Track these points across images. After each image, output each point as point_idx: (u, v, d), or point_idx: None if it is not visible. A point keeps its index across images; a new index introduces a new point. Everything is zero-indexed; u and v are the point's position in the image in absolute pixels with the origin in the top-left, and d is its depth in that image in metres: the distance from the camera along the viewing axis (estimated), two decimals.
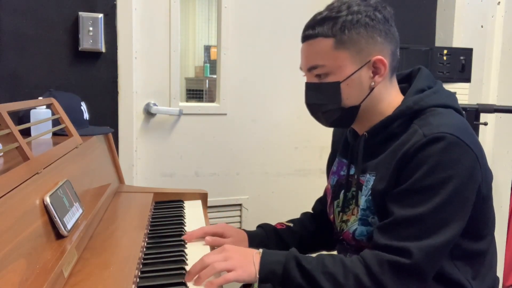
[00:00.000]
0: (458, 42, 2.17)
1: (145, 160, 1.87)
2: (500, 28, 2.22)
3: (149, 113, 1.86)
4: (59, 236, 0.84)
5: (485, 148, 2.32)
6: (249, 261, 0.94)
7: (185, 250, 1.06)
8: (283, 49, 2.01)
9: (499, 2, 2.21)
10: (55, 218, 0.83)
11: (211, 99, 3.77)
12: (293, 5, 2.02)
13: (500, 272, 2.28)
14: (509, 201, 2.37)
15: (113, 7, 1.71)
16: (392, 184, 0.97)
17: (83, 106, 1.49)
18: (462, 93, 2.03)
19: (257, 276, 0.93)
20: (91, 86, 1.71)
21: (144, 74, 1.83)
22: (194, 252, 1.04)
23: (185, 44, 5.05)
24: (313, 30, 1.01)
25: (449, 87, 1.98)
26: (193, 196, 1.50)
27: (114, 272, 0.87)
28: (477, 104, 1.84)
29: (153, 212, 1.33)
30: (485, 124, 1.89)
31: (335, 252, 1.19)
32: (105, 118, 1.72)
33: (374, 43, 1.00)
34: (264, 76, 2.02)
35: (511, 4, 2.22)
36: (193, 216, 1.33)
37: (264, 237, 1.24)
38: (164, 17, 1.84)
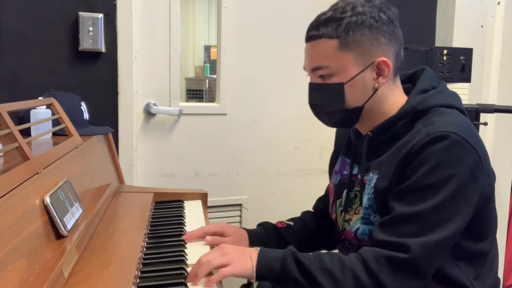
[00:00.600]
0: (458, 42, 2.17)
1: (145, 160, 1.87)
2: (500, 28, 2.22)
3: (149, 113, 1.86)
4: (59, 236, 0.84)
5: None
6: (246, 257, 0.94)
7: (185, 250, 1.06)
8: (283, 49, 2.01)
9: (499, 2, 2.21)
10: (55, 218, 0.83)
11: (211, 99, 3.77)
12: (293, 5, 2.02)
13: (500, 272, 2.28)
14: (509, 201, 2.37)
15: (113, 7, 1.71)
16: (394, 182, 0.97)
17: (83, 106, 1.49)
18: (462, 93, 2.02)
19: (254, 271, 0.93)
20: (91, 86, 1.71)
21: (144, 74, 1.83)
22: (194, 252, 1.04)
23: (185, 44, 5.05)
24: (317, 31, 1.01)
25: (449, 87, 1.97)
26: (193, 196, 1.50)
27: (114, 272, 0.87)
28: (477, 104, 1.84)
29: (153, 212, 1.33)
30: (485, 124, 1.89)
31: (335, 251, 1.19)
32: (105, 118, 1.72)
33: (378, 45, 1.00)
34: (264, 76, 2.02)
35: (511, 4, 2.22)
36: (193, 216, 1.33)
37: (264, 235, 1.24)
38: (164, 17, 1.84)
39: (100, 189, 1.24)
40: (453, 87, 2.00)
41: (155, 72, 1.85)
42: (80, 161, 1.17)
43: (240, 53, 1.97)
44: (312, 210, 1.34)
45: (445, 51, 1.97)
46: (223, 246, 0.97)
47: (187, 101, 4.30)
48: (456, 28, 2.17)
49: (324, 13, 1.02)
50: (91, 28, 1.67)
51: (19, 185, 0.78)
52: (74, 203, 0.95)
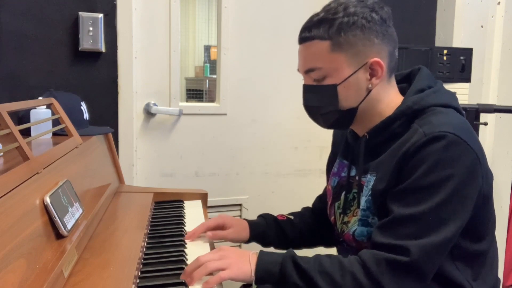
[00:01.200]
0: (458, 42, 2.17)
1: (145, 160, 1.87)
2: (500, 28, 2.22)
3: (149, 113, 1.86)
4: (59, 236, 0.84)
5: (485, 148, 2.31)
6: (244, 260, 0.94)
7: (185, 250, 1.06)
8: (283, 49, 2.01)
9: (499, 2, 2.21)
10: (55, 218, 0.83)
11: (211, 99, 3.77)
12: (293, 5, 2.02)
13: (500, 272, 2.28)
14: (509, 201, 2.37)
15: (113, 7, 1.71)
16: (392, 184, 0.97)
17: (83, 106, 1.49)
18: (462, 93, 2.03)
19: (253, 275, 0.93)
20: (91, 86, 1.71)
21: (144, 74, 1.83)
22: (194, 252, 1.04)
23: (185, 44, 5.05)
24: (309, 32, 1.01)
25: (449, 87, 1.98)
26: (193, 196, 1.50)
27: (114, 272, 0.87)
28: (477, 104, 1.84)
29: (153, 212, 1.34)
30: (485, 124, 1.89)
31: (334, 250, 1.19)
32: (105, 118, 1.72)
33: (370, 45, 0.99)
34: (264, 76, 2.02)
35: (511, 4, 2.22)
36: (193, 216, 1.33)
37: (264, 226, 1.25)
38: (164, 17, 1.84)
39: (100, 189, 1.24)
40: (453, 87, 2.00)
41: (155, 72, 1.85)
42: (80, 161, 1.17)
43: (240, 53, 1.97)
44: (312, 207, 1.35)
45: (445, 51, 1.97)
46: (223, 248, 0.97)
47: (187, 101, 4.31)
48: (456, 28, 2.17)
49: (316, 14, 1.02)
50: (91, 28, 1.67)
51: (19, 185, 0.78)
52: (74, 203, 0.95)
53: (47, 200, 0.83)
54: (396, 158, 0.96)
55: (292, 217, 1.29)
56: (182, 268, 0.94)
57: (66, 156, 1.07)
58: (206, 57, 5.22)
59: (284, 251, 0.98)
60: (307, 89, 1.06)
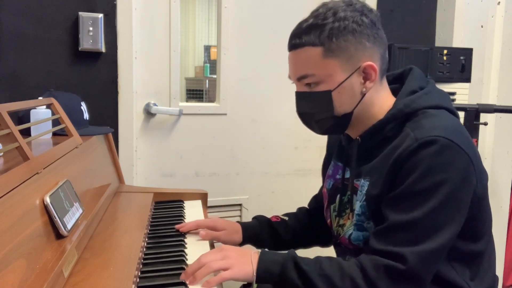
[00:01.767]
0: (458, 42, 2.17)
1: (145, 160, 1.87)
2: (500, 28, 2.22)
3: (149, 113, 1.86)
4: (59, 236, 0.84)
5: (485, 148, 2.33)
6: (246, 260, 0.94)
7: (185, 250, 1.06)
8: (283, 49, 1.98)
9: (499, 2, 2.21)
10: (55, 218, 0.83)
11: (211, 99, 3.77)
12: (293, 5, 2.02)
13: (500, 272, 2.28)
14: (509, 201, 2.37)
15: (113, 7, 1.71)
16: (386, 189, 0.96)
17: (83, 106, 1.49)
18: (462, 93, 2.03)
19: (254, 275, 0.93)
20: (91, 86, 1.71)
21: (144, 74, 1.83)
22: (194, 252, 1.04)
23: (185, 44, 5.05)
24: (299, 39, 0.99)
25: (449, 87, 1.98)
26: (193, 196, 1.50)
27: (114, 272, 0.87)
28: (477, 104, 1.84)
29: (153, 212, 1.34)
30: (485, 124, 1.89)
31: (330, 250, 1.19)
32: (105, 118, 1.72)
33: (363, 49, 0.98)
34: (264, 76, 2.02)
35: (511, 4, 2.22)
36: (193, 216, 1.33)
37: (258, 228, 1.25)
38: (164, 17, 1.84)
39: (100, 189, 1.24)
40: (453, 87, 2.00)
41: (155, 72, 1.85)
42: (80, 161, 1.17)
43: (240, 53, 1.97)
44: (307, 207, 1.35)
45: (445, 51, 1.97)
46: (224, 248, 0.97)
47: (187, 101, 4.31)
48: (456, 28, 2.17)
49: (305, 20, 1.00)
50: (91, 28, 1.67)
51: (19, 185, 0.78)
52: (74, 203, 0.95)
53: (47, 200, 0.83)
54: (388, 163, 0.95)
55: (286, 218, 1.29)
56: (182, 268, 0.94)
57: (66, 156, 1.07)
58: (206, 57, 5.22)
59: (285, 252, 0.98)
60: (300, 96, 1.05)
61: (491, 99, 2.25)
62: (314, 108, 1.02)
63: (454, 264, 0.99)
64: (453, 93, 1.99)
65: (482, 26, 2.20)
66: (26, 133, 1.19)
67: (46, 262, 0.76)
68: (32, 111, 1.27)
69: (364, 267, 0.91)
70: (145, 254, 1.01)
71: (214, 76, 3.29)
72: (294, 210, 1.36)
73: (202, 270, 0.90)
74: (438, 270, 0.96)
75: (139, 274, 0.91)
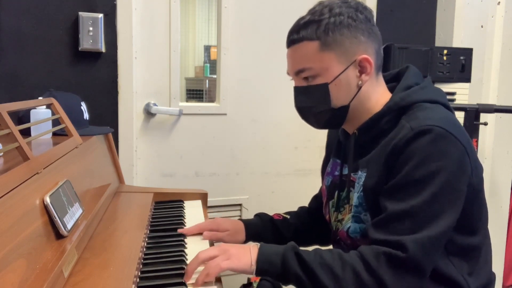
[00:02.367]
0: (458, 42, 2.17)
1: (145, 160, 1.87)
2: (500, 28, 2.22)
3: (149, 113, 1.86)
4: (59, 236, 0.84)
5: (485, 148, 2.33)
6: (245, 252, 0.95)
7: (185, 250, 1.06)
8: (283, 49, 1.99)
9: (499, 2, 2.21)
10: (55, 218, 0.83)
11: (211, 99, 3.77)
12: (293, 5, 2.02)
13: (500, 272, 2.28)
14: (509, 201, 2.37)
15: (113, 7, 1.71)
16: (382, 180, 0.98)
17: (83, 106, 1.49)
18: (462, 93, 2.03)
19: (254, 266, 0.93)
20: (91, 86, 1.71)
21: (144, 74, 1.83)
22: (194, 252, 1.03)
23: (185, 44, 5.05)
24: (297, 34, 1.03)
25: (449, 87, 1.98)
26: (193, 196, 1.50)
27: (114, 272, 0.87)
28: (477, 104, 1.84)
29: (153, 212, 1.33)
30: (485, 124, 1.89)
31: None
32: (105, 118, 1.72)
33: (358, 43, 1.01)
34: (264, 76, 2.02)
35: (511, 4, 2.22)
36: (193, 216, 1.33)
37: (260, 225, 1.26)
38: (164, 17, 1.84)
39: (100, 189, 1.24)
40: (453, 87, 2.00)
41: (155, 72, 1.85)
42: (80, 161, 1.17)
43: (240, 53, 1.97)
44: (308, 207, 1.36)
45: (445, 51, 1.97)
46: (222, 244, 0.98)
47: (187, 101, 4.31)
48: (456, 28, 2.17)
49: (302, 18, 1.04)
50: (91, 28, 1.67)
51: (19, 185, 0.78)
52: (74, 203, 0.95)
53: (47, 200, 0.83)
54: (385, 154, 0.97)
55: (288, 216, 1.30)
56: (182, 268, 0.94)
57: (66, 156, 1.07)
58: (206, 57, 5.22)
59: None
60: (298, 90, 1.07)
61: (491, 99, 2.25)
62: (312, 102, 1.05)
63: (451, 258, 1.00)
64: (453, 93, 1.99)
65: (482, 26, 2.20)
66: (26, 133, 1.19)
67: (46, 262, 0.76)
68: (32, 111, 1.27)
69: (364, 256, 0.92)
70: (145, 254, 1.01)
71: (214, 76, 3.29)
72: (294, 210, 1.36)
73: (202, 271, 0.91)
74: (436, 265, 0.96)
75: (139, 274, 0.91)
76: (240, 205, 2.05)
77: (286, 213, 1.32)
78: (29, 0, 1.62)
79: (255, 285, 1.19)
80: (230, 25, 1.94)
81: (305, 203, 1.38)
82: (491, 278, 1.08)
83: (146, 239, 1.10)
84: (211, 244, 1.15)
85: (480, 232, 1.04)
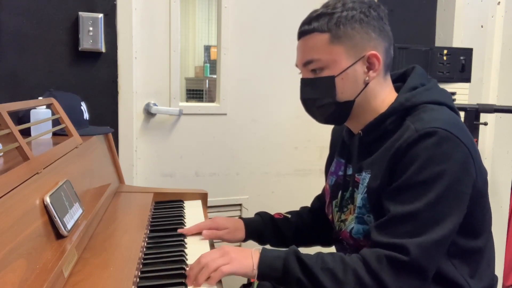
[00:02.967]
0: (458, 42, 2.17)
1: (145, 160, 1.87)
2: (500, 28, 2.22)
3: (149, 113, 1.86)
4: (59, 236, 0.84)
5: (485, 148, 2.33)
6: (246, 255, 0.95)
7: (185, 250, 1.06)
8: (283, 49, 2.01)
9: (499, 2, 2.21)
10: (55, 218, 0.83)
11: (211, 99, 3.77)
12: (293, 5, 2.02)
13: (500, 272, 2.28)
14: (509, 201, 2.37)
15: (113, 7, 1.71)
16: (386, 181, 0.97)
17: (83, 106, 1.49)
18: (462, 93, 2.03)
19: (255, 270, 0.93)
20: (91, 86, 1.71)
21: (144, 74, 1.83)
22: (194, 252, 1.04)
23: (185, 44, 5.05)
24: (309, 25, 1.03)
25: (449, 87, 1.98)
26: (193, 196, 1.50)
27: (114, 272, 0.87)
28: (477, 104, 1.84)
29: (153, 212, 1.33)
30: (485, 124, 1.89)
31: (331, 249, 1.20)
32: (105, 118, 1.72)
33: (368, 39, 1.01)
34: (264, 76, 2.02)
35: (511, 4, 2.22)
36: (193, 216, 1.33)
37: (260, 224, 1.26)
38: (164, 17, 1.84)
39: (100, 189, 1.24)
40: (453, 87, 2.00)
41: (155, 72, 1.85)
42: (80, 161, 1.17)
43: (240, 53, 1.97)
44: (310, 207, 1.35)
45: (445, 51, 1.97)
46: (224, 247, 0.97)
47: (187, 101, 4.31)
48: (456, 28, 2.17)
49: (315, 10, 1.04)
50: (91, 28, 1.67)
51: (19, 185, 0.78)
52: (74, 203, 0.95)
53: (47, 200, 0.83)
54: (389, 156, 0.96)
55: (289, 216, 1.30)
56: (182, 268, 0.94)
57: (66, 156, 1.07)
58: (206, 57, 5.22)
59: (284, 249, 0.98)
60: (305, 82, 1.07)
61: (491, 99, 2.25)
62: (317, 94, 1.04)
63: (453, 260, 0.99)
64: (453, 93, 1.99)
65: (482, 26, 2.20)
66: (26, 133, 1.19)
67: (46, 262, 0.76)
68: (32, 111, 1.27)
69: (366, 259, 0.91)
70: (145, 254, 1.01)
71: (214, 76, 3.29)
72: (294, 210, 1.36)
73: (203, 271, 0.90)
74: (438, 267, 0.96)
75: (139, 274, 0.91)
76: (240, 205, 2.05)
77: (288, 212, 1.32)
78: (29, 0, 1.62)
79: (255, 285, 1.19)
80: (230, 25, 1.94)
81: (305, 203, 1.38)
82: (494, 280, 1.08)
83: (146, 239, 1.10)
84: (211, 243, 1.15)
85: (483, 235, 1.03)
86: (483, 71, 2.22)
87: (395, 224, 0.93)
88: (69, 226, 0.87)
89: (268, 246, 1.20)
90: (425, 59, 1.94)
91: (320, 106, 1.05)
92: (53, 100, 1.25)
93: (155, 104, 1.86)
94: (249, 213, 2.04)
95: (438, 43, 2.26)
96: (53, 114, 1.26)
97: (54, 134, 1.29)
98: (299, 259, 0.94)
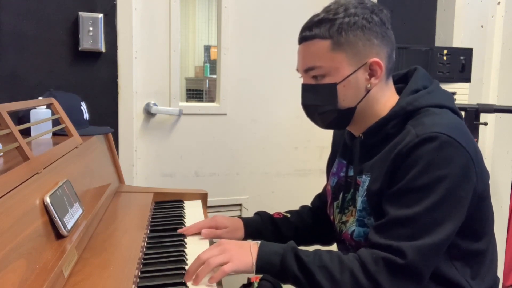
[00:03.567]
0: (458, 42, 2.17)
1: (145, 160, 1.87)
2: (500, 28, 2.22)
3: (149, 113, 1.86)
4: (59, 236, 0.84)
5: (485, 148, 2.33)
6: (245, 251, 0.94)
7: (185, 250, 1.06)
8: (283, 49, 2.01)
9: (499, 2, 2.21)
10: (55, 218, 0.83)
11: (211, 99, 3.77)
12: (293, 5, 2.02)
13: (500, 272, 2.28)
14: (509, 201, 2.37)
15: (113, 7, 1.70)
16: (386, 185, 0.97)
17: (83, 106, 1.49)
18: (462, 93, 2.03)
19: (254, 266, 0.93)
20: (91, 86, 1.71)
21: (144, 74, 1.83)
22: (194, 252, 1.03)
23: (185, 44, 5.05)
24: (310, 31, 1.01)
25: (449, 87, 1.98)
26: (193, 196, 1.50)
27: (114, 272, 0.87)
28: (477, 104, 1.84)
29: (153, 212, 1.33)
30: (485, 124, 1.89)
31: (331, 248, 1.20)
32: (105, 118, 1.72)
33: (370, 46, 1.00)
34: (264, 76, 2.02)
35: (511, 4, 2.22)
36: (193, 216, 1.33)
37: (260, 223, 1.26)
38: (164, 17, 1.84)
39: (100, 189, 1.24)
40: (453, 87, 2.00)
41: (155, 72, 1.85)
42: (80, 161, 1.17)
43: (240, 53, 1.97)
44: (310, 206, 1.35)
45: (445, 51, 1.97)
46: (222, 242, 0.97)
47: (187, 101, 4.31)
48: (456, 28, 2.17)
49: (316, 15, 1.03)
50: (91, 28, 1.67)
51: (19, 185, 0.78)
52: (74, 203, 0.95)
53: (47, 200, 0.83)
54: (389, 159, 0.96)
55: (288, 215, 1.30)
56: (182, 268, 0.94)
57: (66, 156, 1.07)
58: (206, 57, 5.22)
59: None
60: (306, 88, 1.06)
61: (491, 99, 2.25)
62: (319, 101, 1.03)
63: (455, 262, 0.99)
64: (453, 93, 1.98)
65: (482, 26, 2.20)
66: (26, 133, 1.19)
67: (46, 262, 0.76)
68: (32, 111, 1.27)
69: (363, 260, 0.92)
70: (145, 254, 1.01)
71: (214, 76, 3.29)
72: (295, 209, 1.36)
73: (203, 268, 0.90)
74: (439, 269, 0.96)
75: (139, 274, 0.91)
76: (240, 205, 2.05)
77: (287, 211, 1.32)
78: (29, 0, 1.62)
79: (255, 285, 1.19)
80: (230, 25, 1.94)
81: (305, 203, 1.38)
82: (495, 282, 1.08)
83: (146, 239, 1.10)
84: (211, 243, 1.15)
85: (485, 237, 1.03)
86: (483, 71, 2.22)
87: (393, 226, 0.93)
88: (69, 226, 0.87)
89: None
90: (425, 59, 1.94)
91: (321, 113, 1.05)
92: (53, 100, 1.25)
93: (155, 104, 1.86)
94: (249, 213, 2.04)
95: (438, 43, 2.26)
96: (53, 114, 1.26)
97: (54, 134, 1.29)
98: (296, 255, 0.94)
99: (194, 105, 2.04)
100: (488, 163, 2.27)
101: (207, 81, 5.02)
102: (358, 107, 1.03)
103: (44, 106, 1.27)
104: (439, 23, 2.26)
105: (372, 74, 1.01)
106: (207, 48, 5.22)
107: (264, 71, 2.02)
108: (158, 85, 1.86)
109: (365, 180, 1.03)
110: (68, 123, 1.24)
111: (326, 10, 1.02)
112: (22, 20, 1.62)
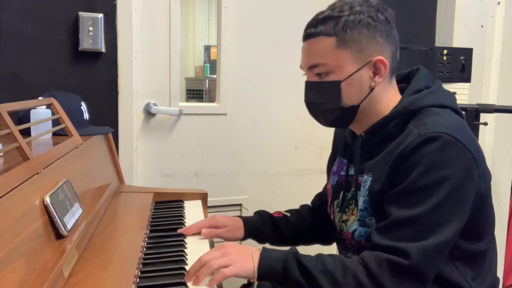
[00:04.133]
0: (458, 42, 2.17)
1: (145, 160, 1.87)
2: (500, 28, 2.22)
3: (149, 113, 1.86)
4: (59, 236, 0.84)
5: (485, 148, 2.33)
6: (247, 256, 0.94)
7: (185, 250, 1.06)
8: (283, 49, 2.01)
9: (499, 2, 2.21)
10: (55, 218, 0.83)
11: (211, 99, 3.77)
12: (293, 5, 2.02)
13: (500, 272, 2.28)
14: (509, 201, 2.37)
15: (113, 7, 1.70)
16: (388, 185, 0.97)
17: (83, 106, 1.49)
18: (462, 93, 2.03)
19: (256, 271, 0.93)
20: (91, 86, 1.71)
21: (144, 74, 1.83)
22: (194, 252, 1.04)
23: (185, 44, 5.05)
24: (315, 28, 1.01)
25: (449, 87, 1.98)
26: (193, 196, 1.51)
27: (114, 272, 0.87)
28: (477, 104, 1.84)
29: (153, 212, 1.34)
30: (485, 124, 1.89)
31: (331, 248, 1.20)
32: (105, 118, 1.72)
33: (375, 44, 1.00)
34: (264, 76, 2.02)
35: (511, 4, 2.22)
36: (193, 216, 1.33)
37: (259, 223, 1.26)
38: (164, 17, 1.84)
39: (100, 189, 1.24)
40: (453, 87, 2.00)
41: (155, 72, 1.85)
42: (80, 161, 1.17)
43: (240, 53, 1.97)
44: (310, 205, 1.35)
45: (445, 51, 1.97)
46: (224, 245, 0.97)
47: (187, 101, 4.31)
48: (456, 28, 2.17)
49: (322, 12, 1.03)
50: (91, 28, 1.67)
51: (19, 185, 0.78)
52: (74, 203, 0.95)
53: (47, 200, 0.83)
54: (391, 159, 0.96)
55: (288, 214, 1.30)
56: (182, 268, 0.94)
57: (66, 156, 1.07)
58: (206, 57, 5.22)
59: (284, 248, 0.98)
60: (309, 85, 1.06)
61: (491, 99, 2.25)
62: (322, 98, 1.03)
63: (456, 263, 0.99)
64: (453, 93, 1.99)
65: (482, 26, 2.20)
66: (26, 133, 1.19)
67: (46, 262, 0.76)
68: (32, 111, 1.27)
69: (366, 263, 0.91)
70: (145, 254, 1.01)
71: (214, 76, 3.29)
72: (294, 208, 1.36)
73: (204, 269, 0.90)
74: (440, 270, 0.96)
75: (139, 274, 0.91)
76: (240, 205, 2.05)
77: (287, 211, 1.32)
78: (29, 0, 1.62)
79: (255, 285, 1.19)
80: (230, 25, 1.94)
81: (305, 203, 1.38)
82: (495, 282, 1.08)
83: (146, 239, 1.10)
84: (211, 243, 1.15)
85: (486, 238, 1.03)
86: (483, 71, 2.22)
87: (396, 227, 0.92)
88: (69, 226, 0.87)
89: (267, 245, 1.20)
90: (425, 59, 1.94)
91: (325, 111, 1.04)
92: (53, 100, 1.25)
93: (155, 104, 1.86)
94: (249, 213, 2.03)
95: (438, 43, 2.26)
96: (53, 114, 1.26)
97: (54, 134, 1.29)
98: (298, 261, 0.93)
99: (194, 105, 2.04)
100: (488, 163, 2.25)
101: (207, 81, 5.02)
102: (361, 106, 1.03)
103: (44, 106, 1.27)
104: (439, 23, 2.26)
105: (376, 72, 1.01)
106: (207, 48, 5.22)
107: (264, 71, 2.02)
108: (158, 85, 1.86)
109: (366, 180, 1.03)
110: (68, 123, 1.24)
111: (331, 7, 1.02)
112: (22, 20, 1.62)
